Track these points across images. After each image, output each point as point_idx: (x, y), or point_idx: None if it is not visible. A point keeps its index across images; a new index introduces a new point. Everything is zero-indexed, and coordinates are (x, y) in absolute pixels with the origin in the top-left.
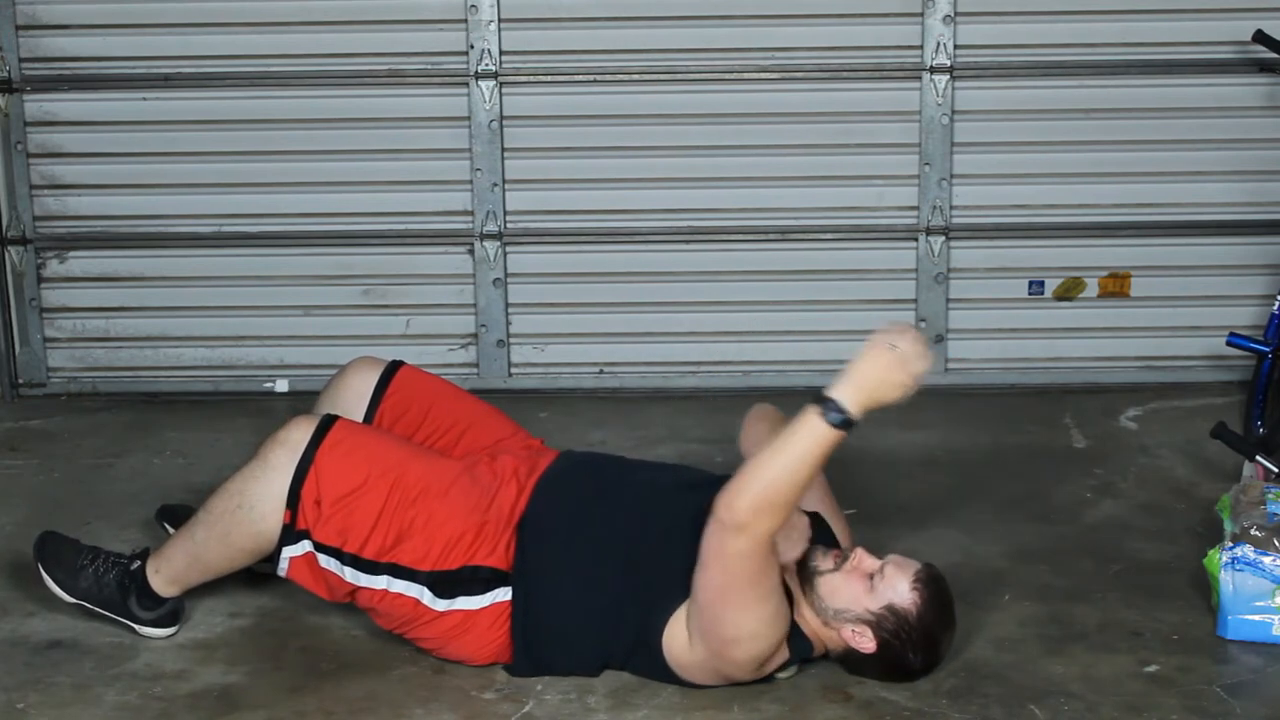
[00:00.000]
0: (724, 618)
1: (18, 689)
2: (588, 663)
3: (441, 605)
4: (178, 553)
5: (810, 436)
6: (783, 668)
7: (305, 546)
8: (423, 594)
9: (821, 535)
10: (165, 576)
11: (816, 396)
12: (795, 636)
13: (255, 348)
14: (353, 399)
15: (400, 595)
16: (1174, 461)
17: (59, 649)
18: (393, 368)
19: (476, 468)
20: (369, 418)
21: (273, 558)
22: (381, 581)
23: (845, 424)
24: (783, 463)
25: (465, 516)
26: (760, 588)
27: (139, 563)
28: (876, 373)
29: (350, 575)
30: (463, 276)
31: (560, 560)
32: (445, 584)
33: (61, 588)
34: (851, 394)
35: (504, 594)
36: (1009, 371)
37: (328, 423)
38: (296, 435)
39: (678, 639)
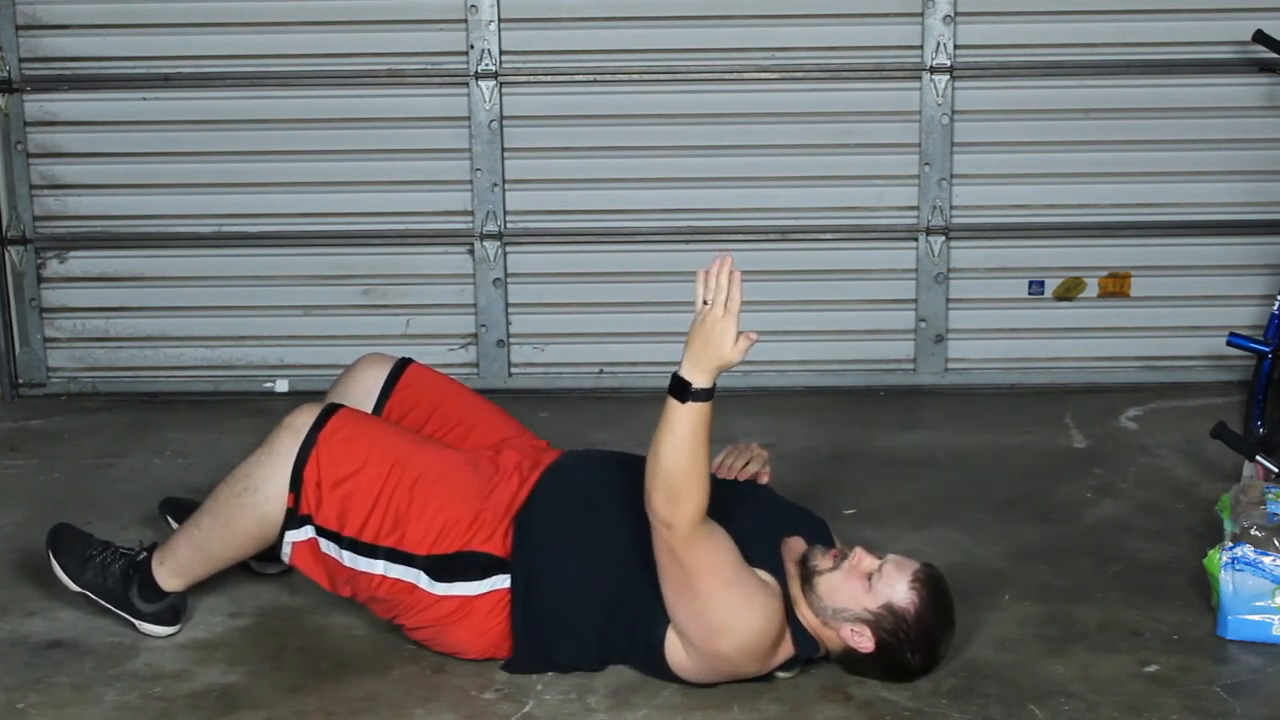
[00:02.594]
0: (695, 612)
1: (18, 689)
2: (588, 653)
3: (439, 589)
4: (183, 543)
5: (678, 419)
6: (786, 667)
7: (308, 532)
8: (419, 578)
9: (820, 536)
10: (169, 569)
11: (672, 378)
12: (799, 633)
13: (255, 348)
14: (361, 394)
15: (397, 580)
16: (1174, 461)
17: (59, 649)
18: (401, 365)
19: (479, 459)
20: (377, 413)
21: (276, 545)
22: (379, 566)
23: (700, 394)
24: (668, 450)
25: (462, 503)
26: (718, 575)
27: (145, 554)
28: (706, 341)
29: (349, 559)
30: (463, 276)
31: (561, 547)
32: (442, 568)
33: (67, 573)
34: (692, 367)
35: (503, 581)
36: (1009, 371)
37: (331, 409)
38: (301, 420)
39: (676, 645)
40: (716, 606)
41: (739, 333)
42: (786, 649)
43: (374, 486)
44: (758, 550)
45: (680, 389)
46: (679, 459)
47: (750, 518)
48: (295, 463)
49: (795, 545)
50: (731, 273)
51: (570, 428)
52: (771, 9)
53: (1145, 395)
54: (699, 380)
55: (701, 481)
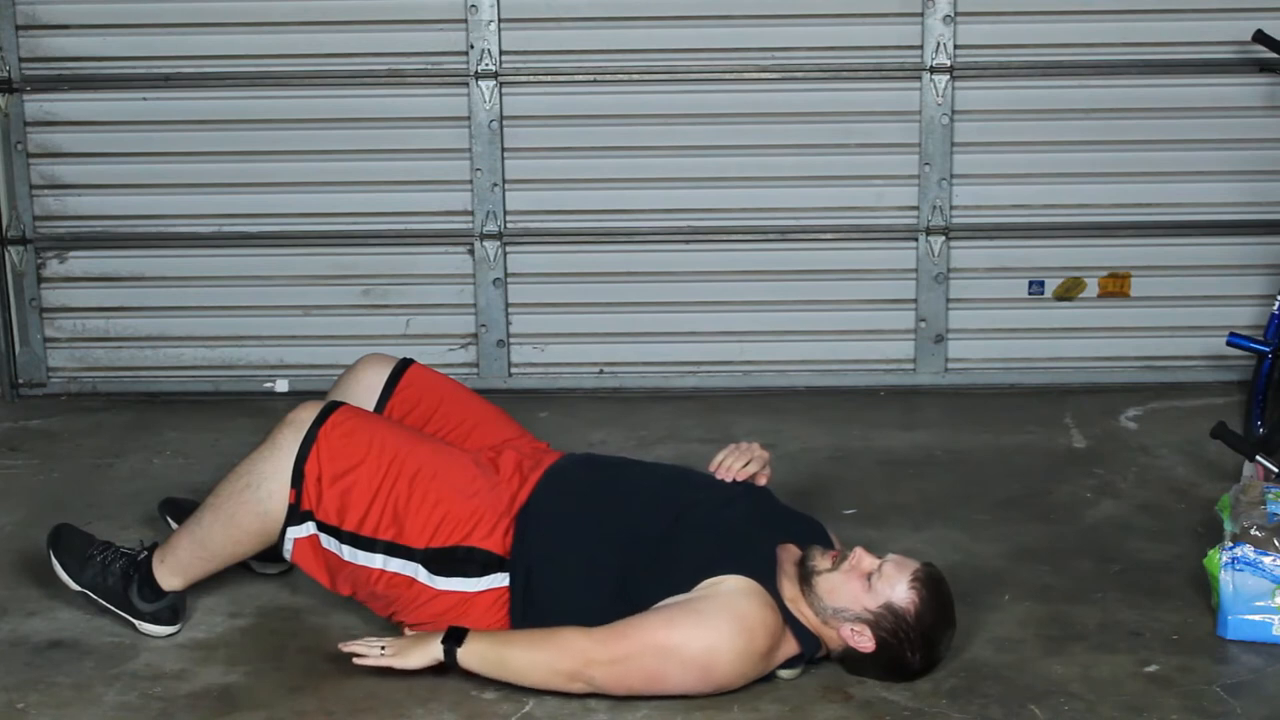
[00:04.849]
0: (679, 667)
1: (18, 689)
2: None
3: (439, 584)
4: (184, 541)
5: (475, 667)
6: (790, 665)
7: (310, 528)
8: (418, 572)
9: (818, 537)
10: (169, 567)
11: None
12: (801, 631)
13: (255, 348)
14: (363, 394)
15: (396, 574)
16: (1174, 461)
17: (59, 649)
18: (403, 365)
19: (480, 457)
20: (378, 412)
21: (277, 543)
22: (378, 560)
23: (450, 661)
24: (518, 677)
25: (462, 497)
26: (658, 628)
27: (145, 554)
28: (405, 656)
29: (348, 554)
30: (463, 276)
31: (562, 546)
32: (440, 562)
33: (68, 572)
34: (420, 658)
35: (501, 579)
36: (1009, 371)
37: (333, 406)
38: (303, 416)
39: None
40: (686, 651)
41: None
42: (790, 647)
43: (374, 480)
44: (753, 552)
45: (449, 662)
46: (521, 674)
47: (747, 519)
48: (297, 459)
49: (793, 549)
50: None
51: (570, 428)
52: (771, 9)
53: (1145, 395)
54: (430, 657)
55: (548, 649)
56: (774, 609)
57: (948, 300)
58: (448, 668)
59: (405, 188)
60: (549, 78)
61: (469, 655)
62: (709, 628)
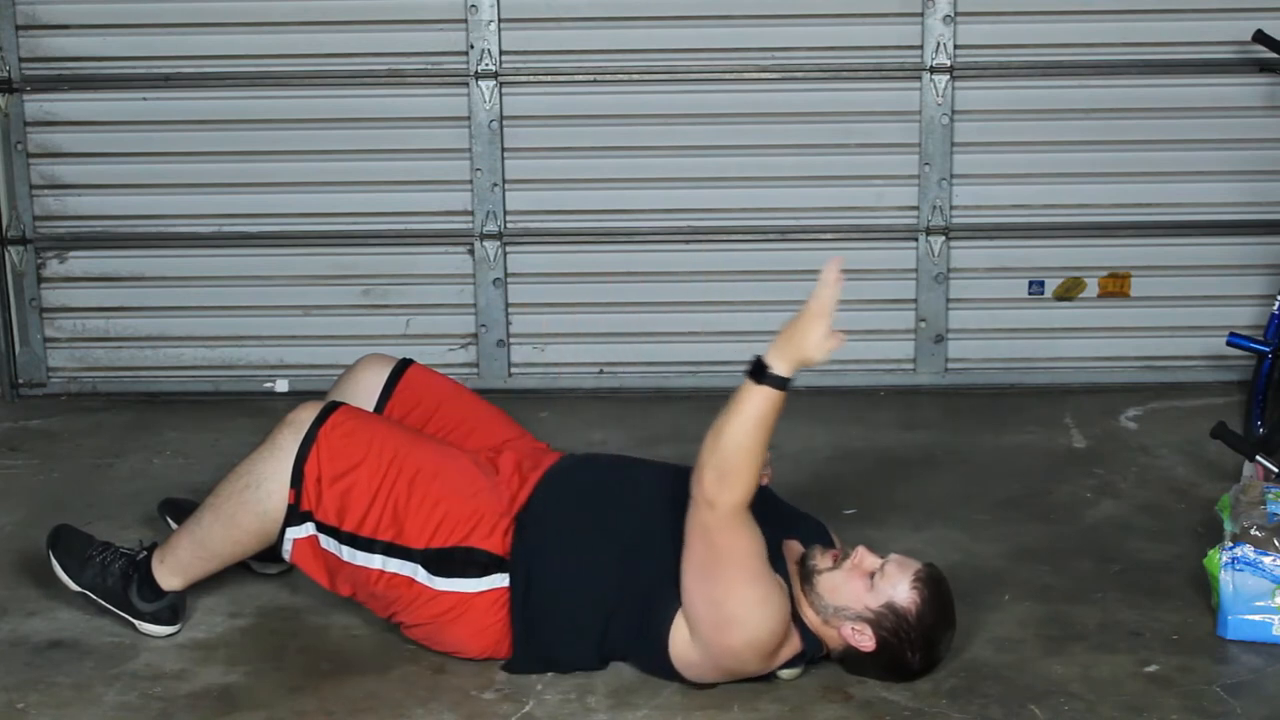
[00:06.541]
0: (713, 600)
1: (18, 689)
2: (589, 651)
3: (439, 584)
4: (183, 541)
5: (748, 399)
6: (791, 664)
7: (309, 529)
8: (417, 572)
9: (819, 537)
10: (169, 567)
11: (754, 359)
12: (804, 630)
13: (255, 348)
14: (362, 395)
15: (395, 575)
16: (1174, 461)
17: (59, 649)
18: (402, 365)
19: (479, 458)
20: (377, 413)
21: (276, 543)
22: (377, 560)
23: (774, 380)
24: (732, 430)
25: (461, 498)
26: (745, 569)
27: (145, 554)
28: (794, 333)
29: (347, 554)
30: (463, 276)
31: (562, 546)
32: (439, 562)
33: (68, 573)
34: (776, 353)
35: (501, 580)
36: (1009, 371)
37: (333, 406)
38: (302, 416)
39: (681, 637)
40: (735, 598)
41: (831, 334)
42: (793, 645)
43: (373, 481)
44: None
45: (758, 371)
46: (741, 440)
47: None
48: (296, 459)
49: (796, 546)
50: (837, 275)
51: (570, 428)
52: (771, 9)
53: (1145, 395)
54: (778, 367)
55: (754, 469)
56: (790, 615)
57: (948, 300)
58: (764, 374)
59: (405, 188)
60: (549, 78)
61: (767, 399)
62: (763, 605)
